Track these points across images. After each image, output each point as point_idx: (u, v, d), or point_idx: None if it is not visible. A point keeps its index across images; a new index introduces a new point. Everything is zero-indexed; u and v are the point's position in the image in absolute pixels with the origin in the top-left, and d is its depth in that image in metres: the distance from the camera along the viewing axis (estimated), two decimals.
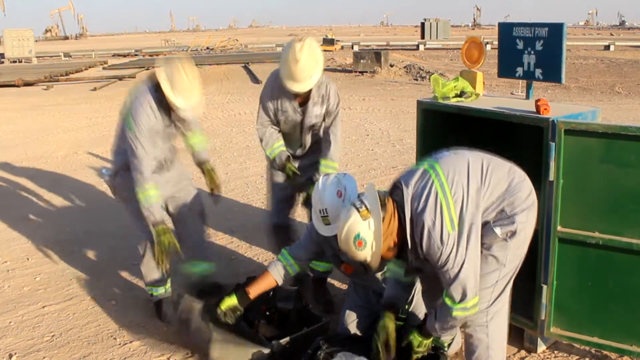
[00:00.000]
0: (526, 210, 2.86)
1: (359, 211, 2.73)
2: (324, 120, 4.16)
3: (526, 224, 2.87)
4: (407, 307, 3.51)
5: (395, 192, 2.86)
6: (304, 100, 4.11)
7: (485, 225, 2.85)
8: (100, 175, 4.33)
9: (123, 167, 4.01)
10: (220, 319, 3.49)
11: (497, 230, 2.82)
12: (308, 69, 3.86)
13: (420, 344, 3.05)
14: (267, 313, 3.82)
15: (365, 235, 2.73)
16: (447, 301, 2.79)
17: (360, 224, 2.73)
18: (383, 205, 2.76)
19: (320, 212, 3.33)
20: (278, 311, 3.83)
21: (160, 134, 3.92)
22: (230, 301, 3.51)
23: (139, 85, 3.93)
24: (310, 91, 4.03)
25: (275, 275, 3.56)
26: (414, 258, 2.87)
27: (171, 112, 3.87)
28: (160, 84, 3.72)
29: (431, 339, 3.07)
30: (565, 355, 3.67)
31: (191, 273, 4.25)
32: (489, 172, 2.83)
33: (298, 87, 3.90)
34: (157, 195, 3.88)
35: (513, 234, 2.83)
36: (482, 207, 2.79)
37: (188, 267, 4.27)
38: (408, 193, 2.77)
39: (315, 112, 4.12)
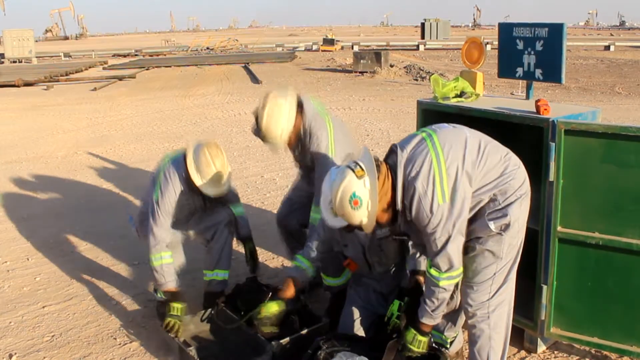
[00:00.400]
0: (519, 200, 2.85)
1: (353, 171, 2.73)
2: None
3: (519, 215, 2.87)
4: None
5: (390, 156, 2.87)
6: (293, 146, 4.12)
7: (478, 219, 2.85)
8: (128, 222, 4.57)
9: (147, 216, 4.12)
10: (261, 326, 3.54)
11: (492, 225, 2.83)
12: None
13: (414, 339, 3.03)
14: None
15: (361, 193, 2.72)
16: (433, 272, 2.82)
17: (355, 182, 2.72)
18: (377, 167, 2.77)
19: (330, 202, 3.31)
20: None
21: (188, 206, 4.08)
22: (272, 308, 3.53)
23: (173, 158, 4.05)
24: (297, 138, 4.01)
25: (299, 279, 3.59)
26: (403, 222, 2.88)
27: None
28: (190, 174, 3.87)
29: (427, 338, 3.05)
30: (565, 355, 3.67)
31: (208, 280, 4.29)
32: (485, 152, 2.83)
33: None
34: (168, 258, 3.96)
35: (507, 226, 2.83)
36: (474, 186, 2.79)
37: (207, 272, 4.31)
38: (402, 157, 2.79)
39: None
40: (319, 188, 3.31)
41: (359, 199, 2.73)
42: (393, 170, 2.80)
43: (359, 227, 2.88)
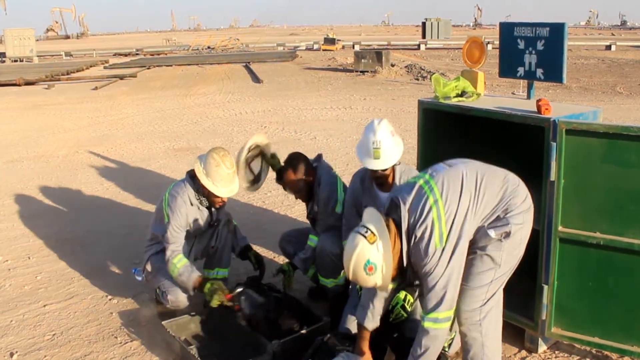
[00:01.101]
0: (522, 213, 2.87)
1: (365, 237, 2.70)
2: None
3: (522, 225, 2.87)
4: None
5: (394, 210, 2.87)
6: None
7: (479, 230, 2.86)
8: (133, 274, 4.58)
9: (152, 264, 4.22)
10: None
11: (491, 233, 2.84)
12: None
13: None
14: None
15: (375, 259, 2.70)
16: (421, 313, 2.84)
17: (368, 249, 2.70)
18: (387, 227, 2.77)
19: (373, 143, 3.39)
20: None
21: (195, 222, 4.13)
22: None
23: (174, 184, 4.20)
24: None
25: None
26: (412, 272, 2.90)
27: (211, 201, 4.11)
28: (198, 177, 3.98)
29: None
30: (566, 355, 3.67)
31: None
32: (482, 186, 2.85)
33: None
34: (181, 261, 3.96)
35: (507, 234, 2.83)
36: (475, 222, 2.83)
37: (207, 271, 4.36)
38: (405, 209, 2.80)
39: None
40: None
41: (373, 265, 2.71)
42: (398, 225, 2.81)
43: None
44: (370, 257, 2.70)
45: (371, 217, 2.81)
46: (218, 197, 4.04)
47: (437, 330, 2.83)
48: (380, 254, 2.71)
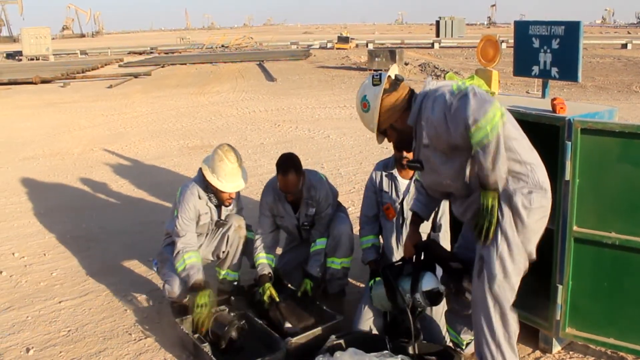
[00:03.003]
0: (540, 192, 2.75)
1: (373, 77, 2.99)
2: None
3: (540, 206, 2.75)
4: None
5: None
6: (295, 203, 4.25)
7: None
8: (152, 265, 4.62)
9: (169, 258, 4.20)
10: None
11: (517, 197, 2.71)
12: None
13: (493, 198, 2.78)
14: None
15: (371, 98, 2.95)
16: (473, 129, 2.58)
17: (368, 87, 2.97)
18: (397, 82, 2.94)
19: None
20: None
21: (205, 216, 4.17)
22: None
23: (185, 184, 4.23)
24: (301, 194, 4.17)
25: None
26: (418, 147, 2.89)
27: (219, 199, 4.13)
28: (205, 177, 4.02)
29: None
30: (580, 356, 3.65)
31: (220, 279, 4.37)
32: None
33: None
34: (191, 258, 3.97)
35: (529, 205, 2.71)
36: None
37: (218, 269, 4.40)
38: (427, 83, 2.89)
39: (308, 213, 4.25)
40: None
41: (367, 102, 2.96)
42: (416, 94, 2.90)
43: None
44: (368, 94, 2.97)
45: (391, 70, 3.03)
46: (225, 192, 4.05)
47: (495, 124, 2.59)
48: (374, 97, 2.93)
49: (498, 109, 2.60)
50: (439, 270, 3.22)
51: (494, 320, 2.82)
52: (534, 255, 2.83)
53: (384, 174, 3.98)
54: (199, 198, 4.10)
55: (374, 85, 2.95)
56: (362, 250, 4.07)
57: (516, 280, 2.81)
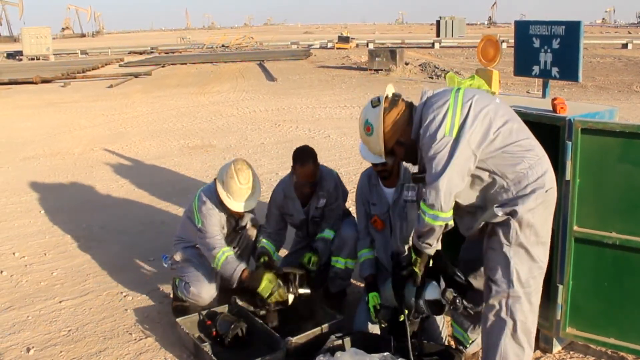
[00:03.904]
0: (534, 193, 2.75)
1: (371, 101, 3.04)
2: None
3: (533, 209, 2.77)
4: None
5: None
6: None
7: (488, 208, 2.81)
8: (162, 259, 4.61)
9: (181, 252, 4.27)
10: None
11: (499, 211, 2.77)
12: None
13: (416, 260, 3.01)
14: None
15: (373, 120, 2.98)
16: (422, 205, 2.79)
17: (370, 111, 3.02)
18: (395, 101, 2.99)
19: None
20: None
21: (225, 223, 4.16)
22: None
23: (204, 187, 4.25)
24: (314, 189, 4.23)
25: None
26: (420, 160, 2.92)
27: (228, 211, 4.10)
28: (217, 184, 4.02)
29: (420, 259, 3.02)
30: (581, 356, 3.65)
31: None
32: (510, 119, 2.82)
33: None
34: (226, 252, 3.96)
35: (515, 213, 2.75)
36: (484, 152, 2.74)
37: None
38: (425, 94, 2.94)
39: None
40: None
41: (370, 126, 3.00)
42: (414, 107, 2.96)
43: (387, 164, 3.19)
44: (369, 117, 3.01)
45: (387, 89, 3.09)
46: (237, 212, 4.06)
47: (434, 226, 2.81)
48: (378, 117, 2.96)
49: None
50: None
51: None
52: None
53: (368, 185, 3.94)
54: (218, 210, 4.06)
55: (374, 107, 2.99)
56: (358, 264, 4.04)
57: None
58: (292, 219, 4.36)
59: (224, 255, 3.93)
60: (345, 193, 4.38)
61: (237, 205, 4.00)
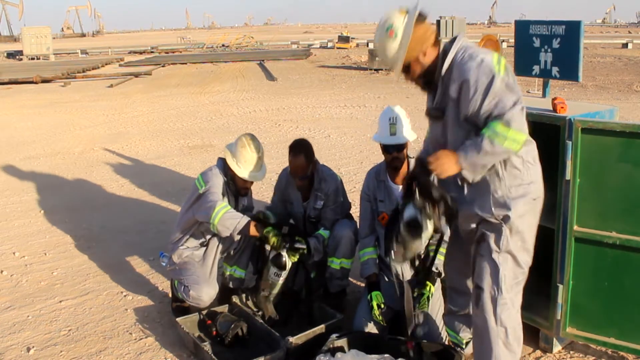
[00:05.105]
0: (524, 197, 2.80)
1: (399, 8, 2.84)
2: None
3: (523, 214, 2.80)
4: None
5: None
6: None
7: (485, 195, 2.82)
8: (160, 257, 4.65)
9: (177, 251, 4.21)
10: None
11: (494, 210, 2.79)
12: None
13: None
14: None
15: (397, 26, 2.78)
16: (500, 127, 2.65)
17: (396, 15, 2.79)
18: (424, 18, 2.81)
19: (389, 119, 3.73)
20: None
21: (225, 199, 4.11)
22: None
23: (206, 170, 4.17)
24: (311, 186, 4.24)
25: None
26: (441, 94, 2.84)
27: (237, 186, 4.11)
28: (225, 157, 4.04)
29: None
30: (581, 355, 3.65)
31: (227, 275, 4.33)
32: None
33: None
34: (225, 207, 3.88)
35: (507, 218, 2.78)
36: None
37: (226, 265, 4.35)
38: (462, 35, 2.87)
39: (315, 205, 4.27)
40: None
41: (394, 31, 2.78)
42: (444, 47, 2.85)
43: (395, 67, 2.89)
44: (395, 22, 2.78)
45: (415, 5, 2.91)
46: (241, 178, 4.01)
47: (513, 150, 2.71)
48: (403, 25, 2.76)
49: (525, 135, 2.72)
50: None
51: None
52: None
53: (376, 182, 3.95)
54: (224, 183, 4.04)
55: (403, 14, 2.79)
56: (360, 263, 4.02)
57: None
58: (292, 208, 4.37)
59: (225, 208, 3.86)
60: (347, 203, 4.34)
61: (248, 173, 4.00)
